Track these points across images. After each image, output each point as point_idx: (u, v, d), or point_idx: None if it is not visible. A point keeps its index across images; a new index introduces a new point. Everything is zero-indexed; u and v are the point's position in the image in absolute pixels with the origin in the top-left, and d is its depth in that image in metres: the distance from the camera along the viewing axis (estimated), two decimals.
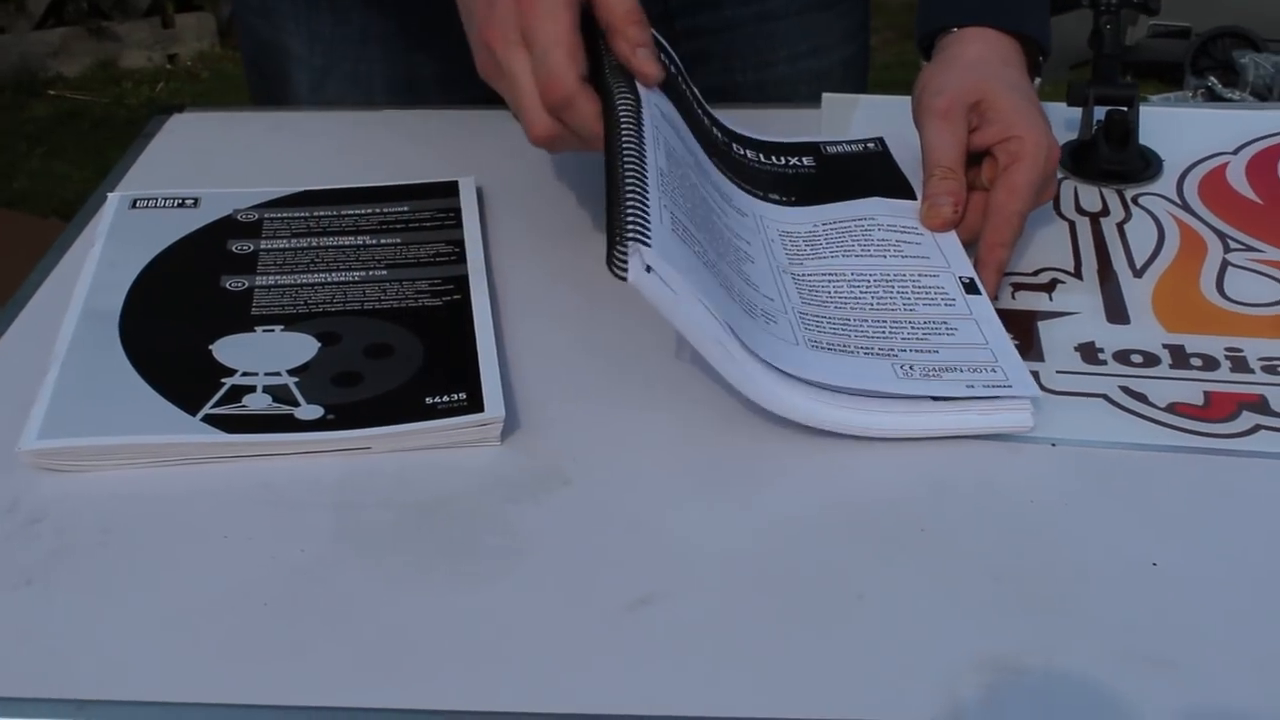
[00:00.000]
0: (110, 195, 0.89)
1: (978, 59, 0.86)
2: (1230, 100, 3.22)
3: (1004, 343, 0.73)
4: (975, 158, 0.84)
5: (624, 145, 0.72)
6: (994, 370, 0.71)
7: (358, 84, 1.05)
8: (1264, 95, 3.24)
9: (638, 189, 0.68)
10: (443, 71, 1.05)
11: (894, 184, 0.87)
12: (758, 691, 0.55)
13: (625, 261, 0.64)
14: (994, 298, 0.78)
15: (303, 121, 1.02)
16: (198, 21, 3.70)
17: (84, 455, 0.67)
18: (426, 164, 0.94)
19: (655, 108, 0.78)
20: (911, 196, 0.85)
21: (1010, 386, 0.70)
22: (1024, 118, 0.82)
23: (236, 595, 0.60)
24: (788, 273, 0.78)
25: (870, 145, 0.92)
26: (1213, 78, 3.36)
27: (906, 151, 0.90)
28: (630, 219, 0.66)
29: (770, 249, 0.80)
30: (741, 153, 0.90)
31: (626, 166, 0.70)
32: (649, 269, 0.64)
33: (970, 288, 0.77)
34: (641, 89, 0.78)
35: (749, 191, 0.85)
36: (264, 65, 1.09)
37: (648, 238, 0.65)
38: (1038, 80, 0.91)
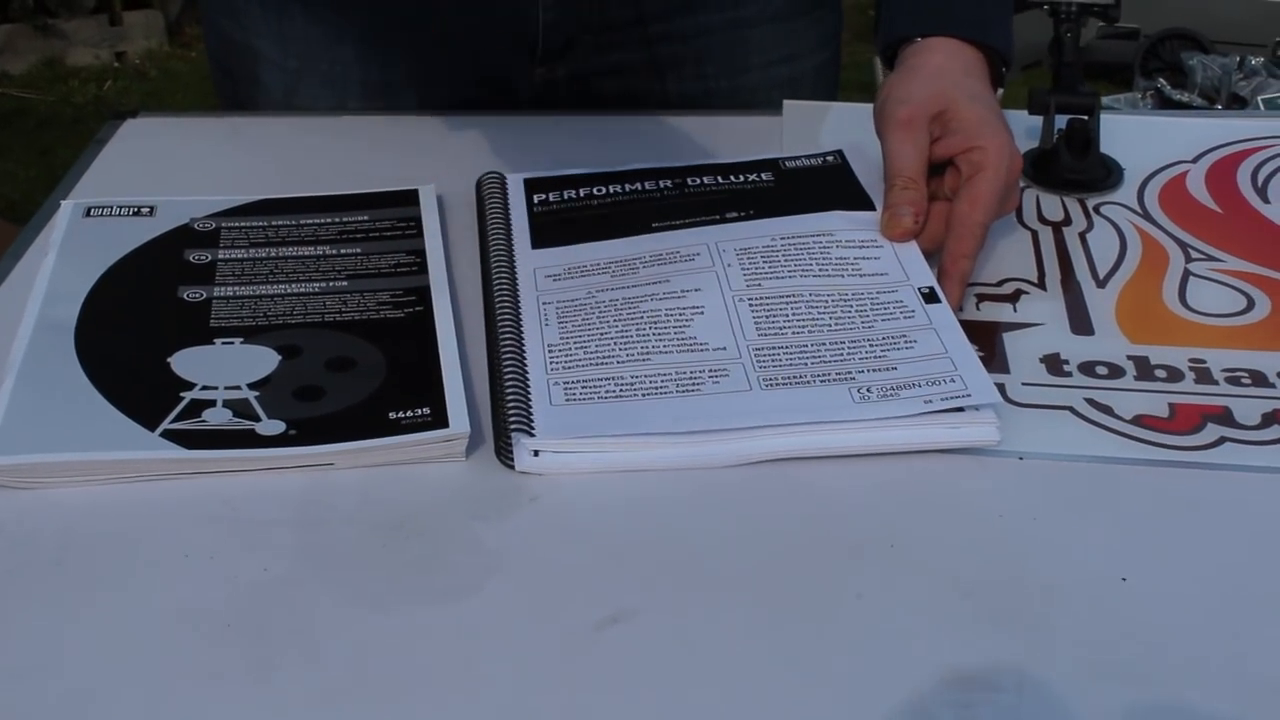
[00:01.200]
0: (63, 203, 0.87)
1: (940, 69, 0.86)
2: (1180, 102, 3.25)
3: (964, 349, 0.73)
4: (937, 168, 0.84)
5: (501, 340, 0.75)
6: (953, 380, 0.71)
7: (332, 86, 1.03)
8: (1212, 97, 3.27)
9: (516, 381, 0.71)
10: (418, 71, 1.03)
11: (853, 196, 0.87)
12: (726, 711, 0.55)
13: (511, 453, 0.67)
14: (958, 309, 0.78)
15: (260, 127, 1.00)
16: (146, 19, 3.65)
17: (40, 471, 0.65)
18: (385, 171, 0.93)
19: (535, 273, 0.81)
20: (871, 208, 0.85)
21: (970, 395, 0.70)
22: (987, 128, 0.82)
23: (199, 616, 0.59)
24: (744, 299, 0.77)
25: (829, 158, 0.92)
26: (1162, 79, 3.39)
27: (865, 163, 0.90)
28: (512, 413, 0.69)
29: (727, 276, 0.79)
30: (697, 182, 0.90)
31: (505, 363, 0.73)
32: (536, 453, 0.67)
33: (930, 297, 0.77)
34: (519, 255, 0.83)
35: (704, 223, 0.85)
36: (232, 67, 1.07)
37: (530, 426, 0.68)
38: (1000, 90, 0.91)
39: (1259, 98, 3.26)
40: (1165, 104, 3.25)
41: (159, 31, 3.67)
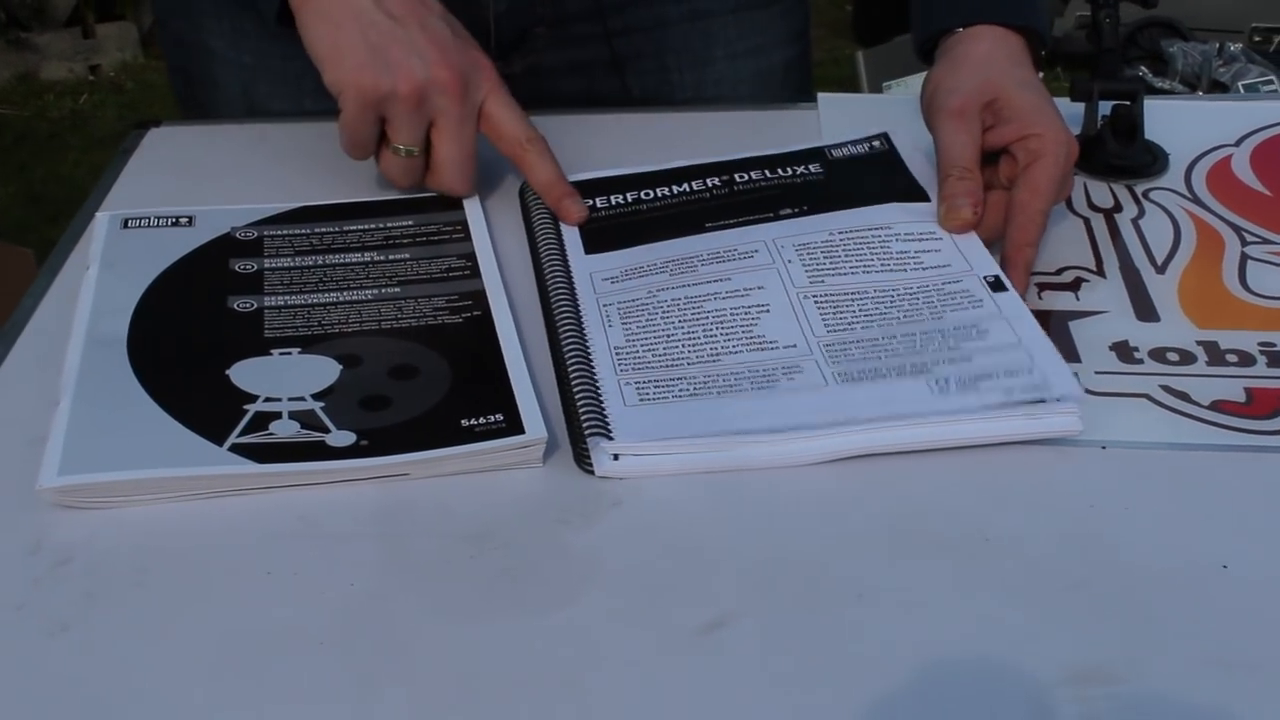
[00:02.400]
0: (99, 215, 0.85)
1: (987, 57, 0.85)
2: (1162, 89, 3.25)
3: (1039, 339, 0.72)
4: (990, 157, 0.83)
5: (566, 343, 0.74)
6: (1031, 372, 0.70)
7: (287, 82, 1.01)
8: (1193, 84, 3.28)
9: (586, 386, 0.70)
10: None
11: (906, 186, 0.85)
12: (847, 710, 0.54)
13: (590, 459, 0.66)
14: (1024, 297, 0.77)
15: (287, 134, 0.98)
16: (119, 31, 3.61)
17: (110, 491, 0.63)
18: None
19: (591, 277, 0.80)
20: (925, 198, 0.84)
21: (1051, 388, 0.69)
22: (1041, 114, 0.81)
23: (290, 634, 0.57)
24: (809, 296, 0.76)
25: (875, 144, 0.91)
26: (1143, 67, 3.40)
27: (912, 148, 0.89)
28: (587, 416, 0.68)
29: (788, 273, 0.78)
30: (745, 178, 0.88)
31: (573, 365, 0.72)
32: (616, 457, 0.66)
33: (996, 285, 0.76)
34: (573, 260, 0.81)
35: (758, 220, 0.83)
36: (188, 69, 1.05)
37: (607, 429, 0.67)
38: (1040, 74, 0.90)
39: (1239, 83, 3.27)
40: (1148, 91, 3.25)
41: (133, 43, 3.63)
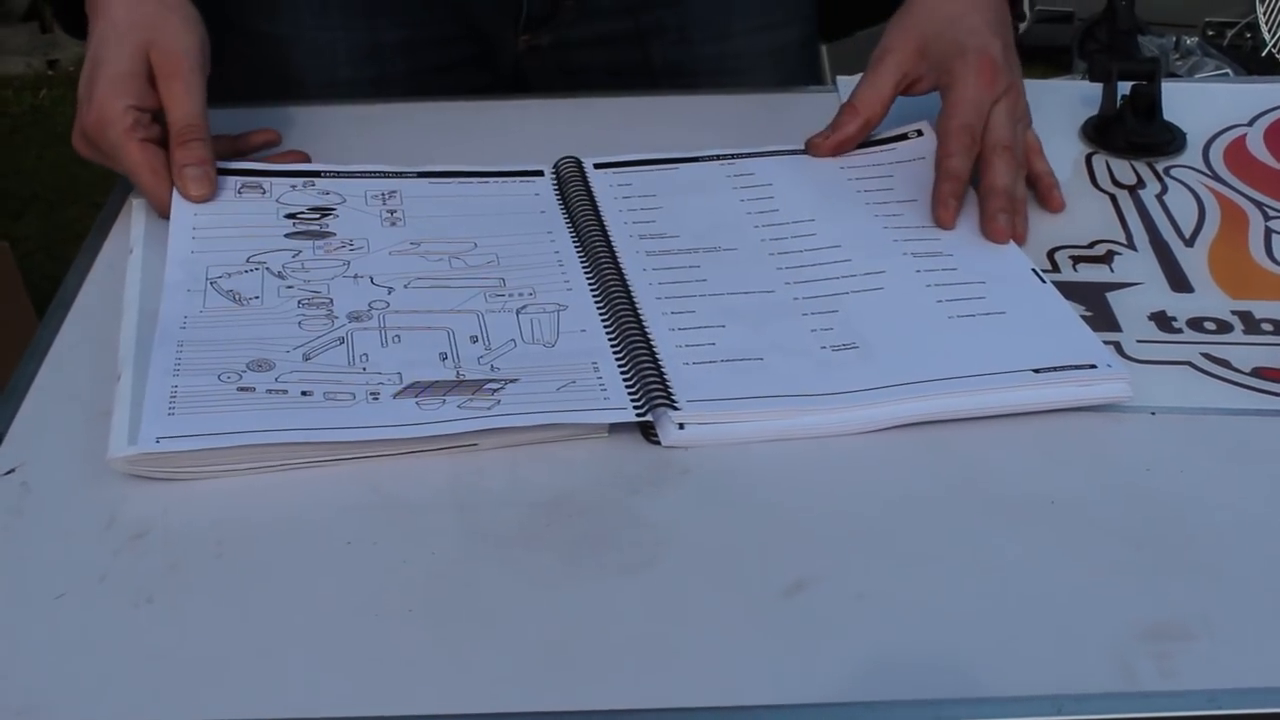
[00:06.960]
0: (134, 199, 0.85)
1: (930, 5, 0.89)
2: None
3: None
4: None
5: (617, 317, 0.73)
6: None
7: (319, 54, 1.01)
8: None
9: (643, 354, 0.70)
10: (405, 36, 1.01)
11: None
12: (935, 671, 0.55)
13: (656, 432, 0.67)
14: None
15: (310, 116, 0.98)
16: None
17: (181, 461, 0.63)
18: (441, 155, 0.91)
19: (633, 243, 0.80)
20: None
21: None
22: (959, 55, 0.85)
23: (377, 603, 0.57)
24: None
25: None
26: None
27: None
28: (651, 387, 0.68)
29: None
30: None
31: (629, 336, 0.72)
32: (681, 426, 0.66)
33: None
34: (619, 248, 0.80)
35: None
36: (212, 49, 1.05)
37: (671, 400, 0.67)
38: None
39: (1195, 77, 3.32)
40: None
41: None
